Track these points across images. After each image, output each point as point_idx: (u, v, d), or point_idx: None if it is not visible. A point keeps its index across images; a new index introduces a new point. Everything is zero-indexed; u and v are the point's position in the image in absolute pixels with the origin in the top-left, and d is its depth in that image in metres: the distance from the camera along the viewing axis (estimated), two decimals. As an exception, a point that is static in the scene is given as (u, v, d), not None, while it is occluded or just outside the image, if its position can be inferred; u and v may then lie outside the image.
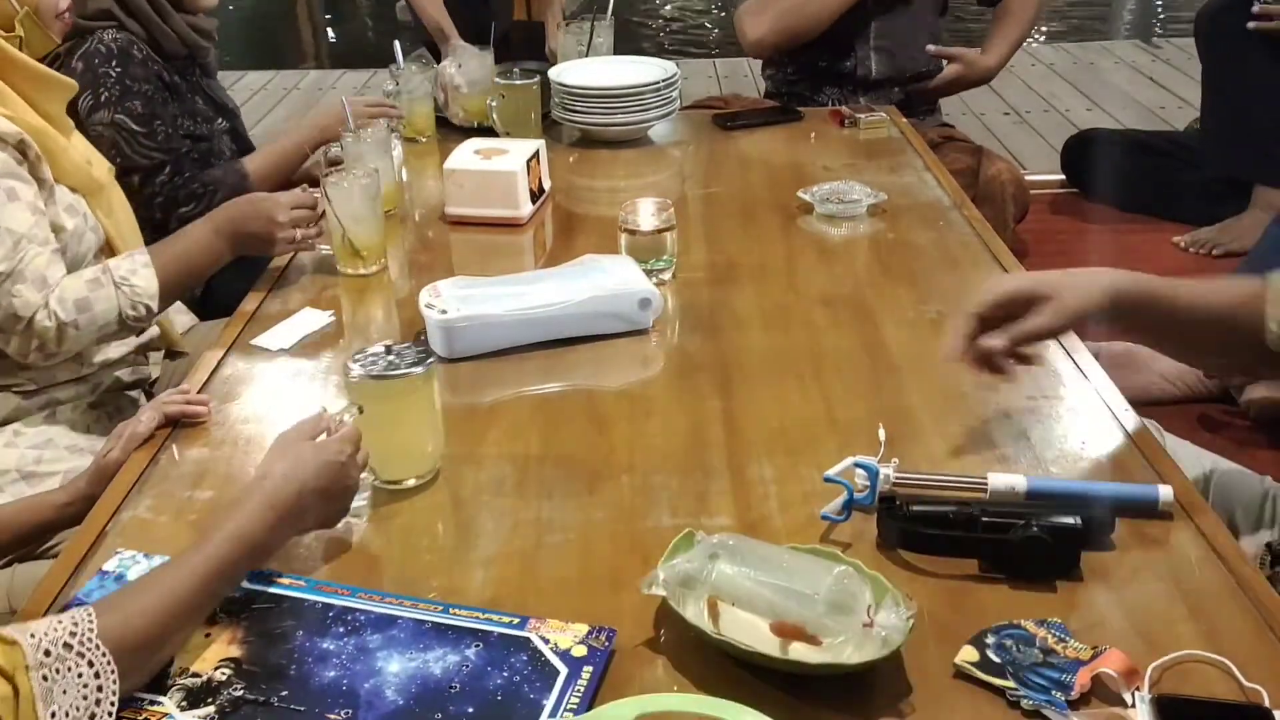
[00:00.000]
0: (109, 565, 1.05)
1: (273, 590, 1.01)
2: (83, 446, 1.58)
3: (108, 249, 1.71)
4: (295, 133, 2.23)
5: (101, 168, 1.73)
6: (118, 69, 1.91)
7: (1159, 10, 7.26)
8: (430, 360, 1.18)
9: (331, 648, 0.94)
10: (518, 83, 2.25)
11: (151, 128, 1.95)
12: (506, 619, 0.96)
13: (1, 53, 1.54)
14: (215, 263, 1.70)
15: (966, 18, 4.74)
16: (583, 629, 0.95)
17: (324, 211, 1.68)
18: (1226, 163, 3.08)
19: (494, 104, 2.22)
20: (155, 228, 1.93)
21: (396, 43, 2.33)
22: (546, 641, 0.93)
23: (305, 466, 1.04)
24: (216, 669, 0.92)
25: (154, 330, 1.76)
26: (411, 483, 1.19)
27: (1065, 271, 1.20)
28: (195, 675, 0.92)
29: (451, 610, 0.97)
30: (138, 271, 1.59)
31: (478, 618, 0.97)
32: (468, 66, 2.35)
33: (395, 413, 1.17)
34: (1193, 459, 1.41)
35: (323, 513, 1.07)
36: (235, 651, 0.94)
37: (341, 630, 0.96)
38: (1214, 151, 3.12)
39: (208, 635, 0.96)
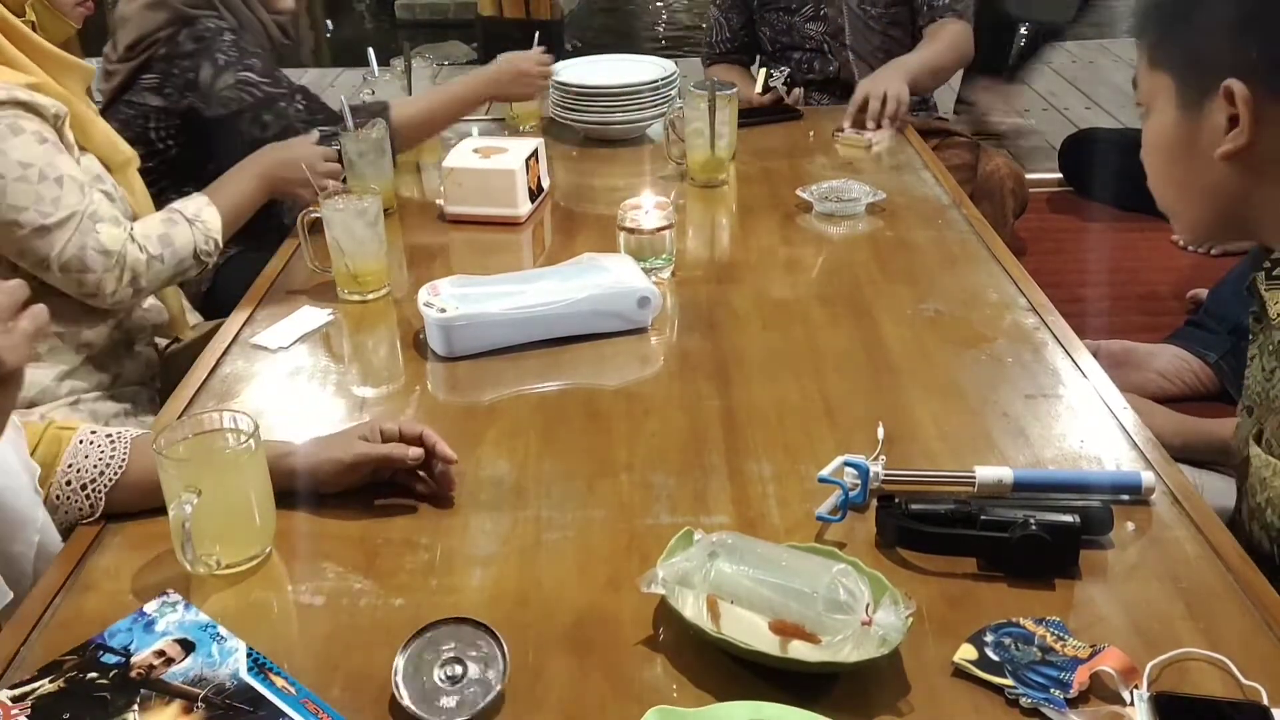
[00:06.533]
0: (149, 607, 0.99)
1: (262, 690, 0.91)
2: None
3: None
4: (461, 84, 2.13)
5: (126, 150, 1.77)
6: (231, 37, 1.99)
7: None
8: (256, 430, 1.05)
9: None
10: (722, 92, 1.99)
11: (275, 77, 2.00)
12: None
13: (19, 34, 1.56)
14: (254, 205, 1.81)
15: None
16: None
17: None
18: None
19: (671, 118, 2.08)
20: None
21: (370, 50, 2.29)
22: None
23: None
24: None
25: (163, 315, 1.79)
26: (245, 566, 1.07)
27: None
28: None
29: None
30: (204, 210, 1.70)
31: None
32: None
33: (221, 485, 1.04)
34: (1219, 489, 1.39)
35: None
36: None
37: None
38: None
39: None
